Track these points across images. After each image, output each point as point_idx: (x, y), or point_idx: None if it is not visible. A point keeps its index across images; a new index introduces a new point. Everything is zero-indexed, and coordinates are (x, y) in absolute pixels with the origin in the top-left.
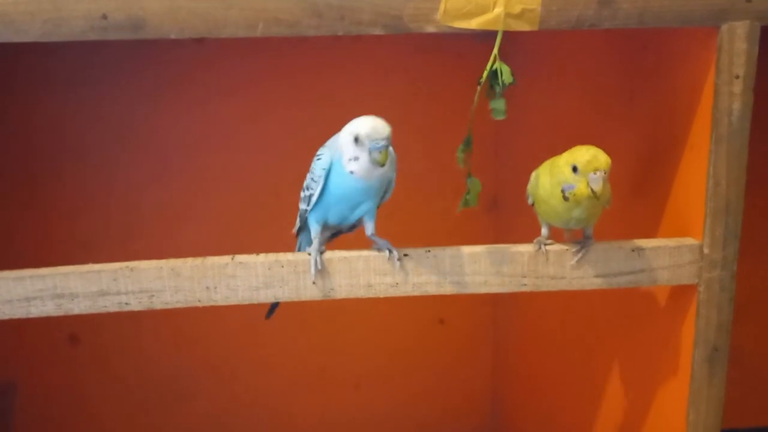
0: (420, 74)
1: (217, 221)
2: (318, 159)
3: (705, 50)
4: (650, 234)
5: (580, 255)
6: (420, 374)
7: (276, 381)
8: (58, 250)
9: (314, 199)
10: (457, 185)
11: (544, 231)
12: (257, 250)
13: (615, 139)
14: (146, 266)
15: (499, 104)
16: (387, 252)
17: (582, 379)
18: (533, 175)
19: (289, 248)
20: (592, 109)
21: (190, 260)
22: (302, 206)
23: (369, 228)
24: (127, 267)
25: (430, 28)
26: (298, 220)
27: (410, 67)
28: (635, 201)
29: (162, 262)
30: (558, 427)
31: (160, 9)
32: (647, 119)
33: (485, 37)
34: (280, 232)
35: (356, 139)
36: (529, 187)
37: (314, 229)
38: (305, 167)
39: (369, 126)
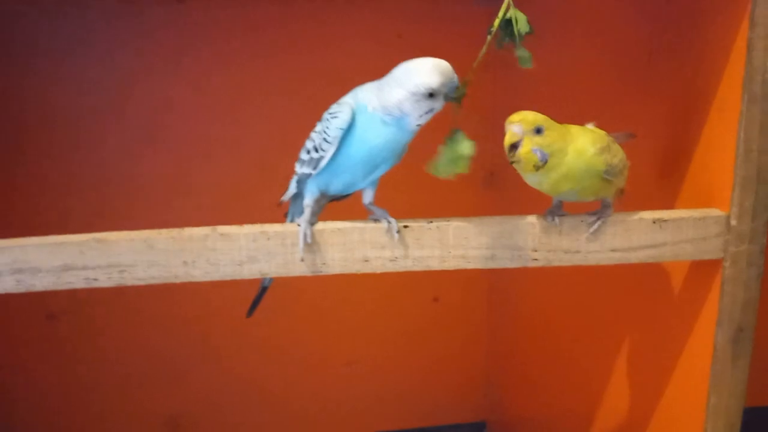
0: (416, 42)
1: (202, 195)
2: (334, 117)
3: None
4: (672, 205)
5: (595, 226)
6: (413, 352)
7: (267, 359)
8: (27, 225)
9: (323, 162)
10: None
11: (555, 200)
12: (251, 204)
13: (631, 102)
14: (116, 238)
15: (524, 52)
16: (385, 223)
17: (587, 362)
18: None
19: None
20: (604, 70)
21: (165, 231)
22: (304, 170)
23: (368, 195)
24: (94, 239)
25: None
26: (292, 185)
27: (405, 33)
28: (656, 169)
29: (134, 234)
30: (557, 410)
31: None
32: (669, 79)
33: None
34: (270, 205)
35: (431, 95)
36: None
37: (310, 196)
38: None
39: (437, 73)
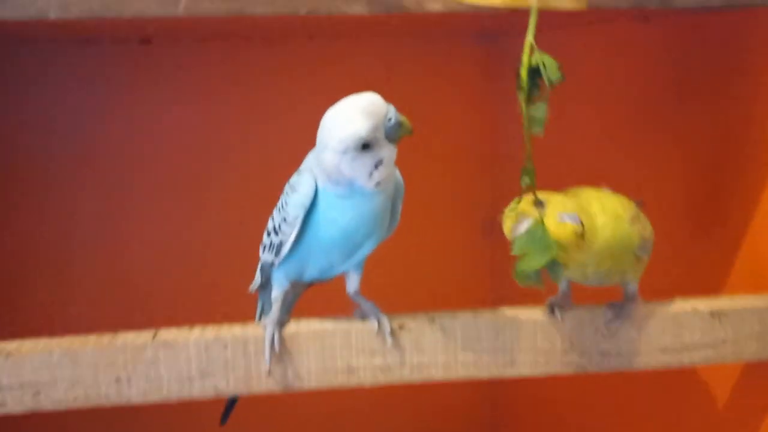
0: (406, 82)
1: (164, 248)
2: (293, 191)
3: None
4: (716, 288)
5: (616, 324)
6: None
7: None
8: None
9: (286, 248)
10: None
11: (561, 286)
12: (212, 291)
13: (657, 154)
14: (29, 349)
15: (539, 111)
16: (375, 321)
17: None
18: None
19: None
20: (620, 114)
21: (92, 339)
22: (265, 257)
23: (353, 281)
24: (2, 351)
25: (435, 6)
26: (258, 274)
27: (395, 72)
28: (693, 241)
29: (53, 343)
30: None
31: None
32: (704, 127)
33: (485, 37)
34: (240, 290)
35: (365, 145)
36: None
37: (278, 288)
38: (274, 196)
39: (362, 117)
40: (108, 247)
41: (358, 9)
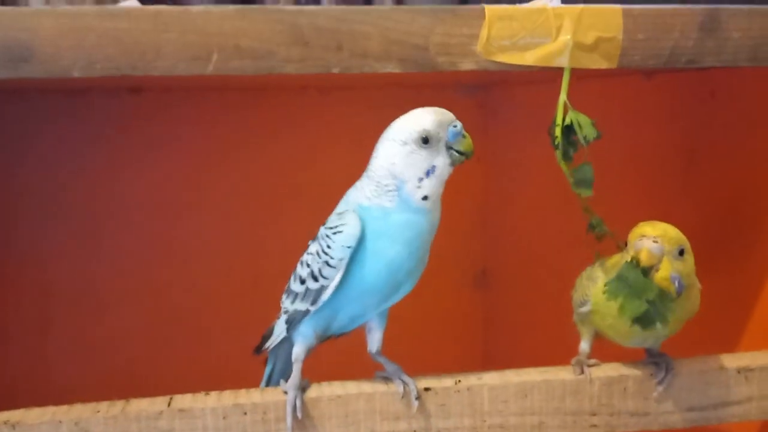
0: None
1: (155, 312)
2: (336, 232)
3: None
4: (734, 345)
5: (665, 383)
6: None
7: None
8: None
9: (327, 293)
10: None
11: (584, 345)
12: (212, 360)
13: (668, 209)
14: (36, 418)
15: (585, 173)
16: (400, 384)
17: None
18: (584, 275)
19: (257, 367)
20: (631, 173)
21: (103, 407)
22: (297, 306)
23: (376, 337)
24: (4, 422)
25: (467, 65)
26: (280, 327)
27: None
28: (710, 299)
29: (61, 412)
30: None
31: (55, 30)
32: (716, 188)
33: (477, 88)
34: (244, 350)
35: (426, 140)
36: (579, 292)
37: (302, 345)
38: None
39: (430, 113)
40: (88, 309)
41: (392, 68)
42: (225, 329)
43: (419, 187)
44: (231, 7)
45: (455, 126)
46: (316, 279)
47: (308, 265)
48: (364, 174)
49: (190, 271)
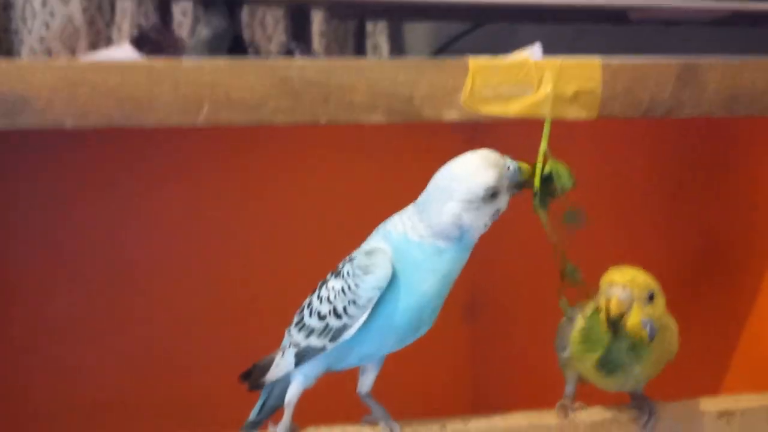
0: (389, 176)
1: (137, 342)
2: (367, 272)
3: None
4: (715, 387)
5: (648, 428)
6: None
7: None
8: None
9: (350, 332)
10: None
11: (568, 389)
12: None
13: (648, 251)
14: None
15: (574, 218)
16: (386, 429)
17: None
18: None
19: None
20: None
21: None
22: (312, 342)
23: (369, 378)
24: None
25: (451, 115)
26: (287, 360)
27: (377, 167)
28: (693, 340)
29: None
30: None
31: (49, 83)
32: (697, 229)
33: (461, 125)
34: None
35: (493, 195)
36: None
37: (300, 385)
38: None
39: (489, 166)
40: (72, 337)
41: (377, 118)
42: (208, 362)
43: (483, 231)
44: (222, 61)
45: (509, 168)
46: (339, 317)
47: (330, 301)
48: (414, 213)
49: (176, 304)
